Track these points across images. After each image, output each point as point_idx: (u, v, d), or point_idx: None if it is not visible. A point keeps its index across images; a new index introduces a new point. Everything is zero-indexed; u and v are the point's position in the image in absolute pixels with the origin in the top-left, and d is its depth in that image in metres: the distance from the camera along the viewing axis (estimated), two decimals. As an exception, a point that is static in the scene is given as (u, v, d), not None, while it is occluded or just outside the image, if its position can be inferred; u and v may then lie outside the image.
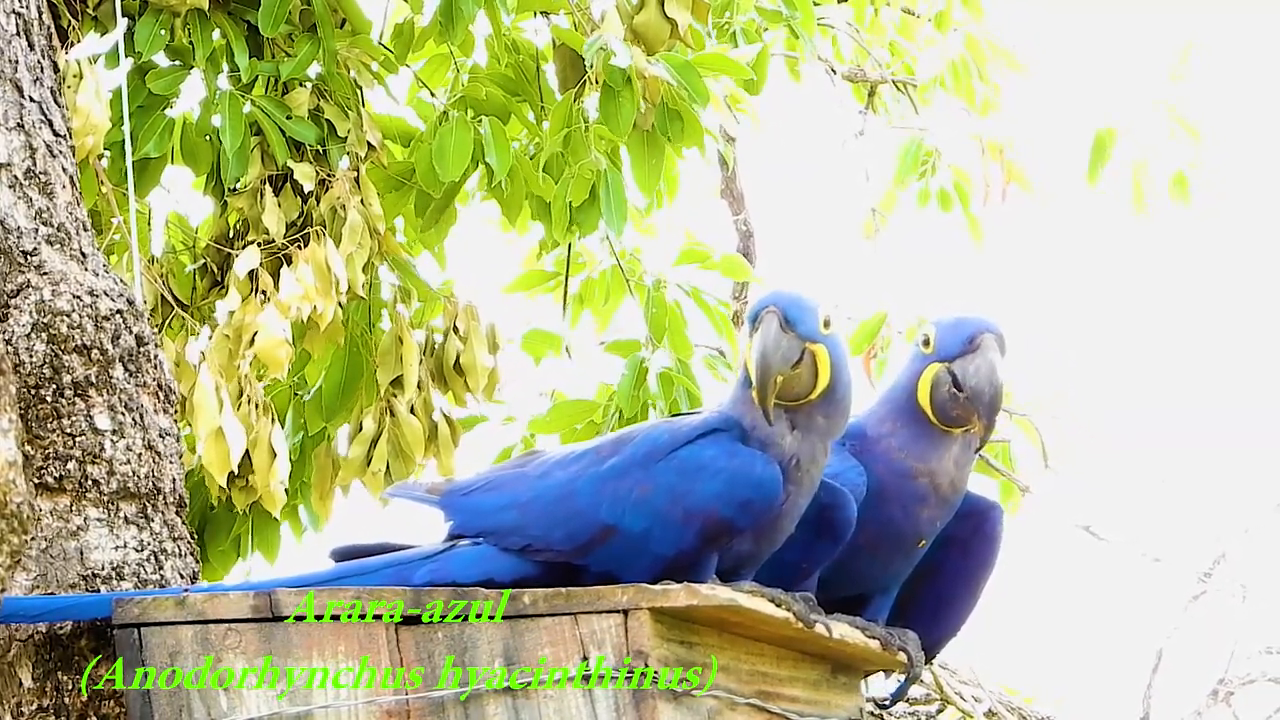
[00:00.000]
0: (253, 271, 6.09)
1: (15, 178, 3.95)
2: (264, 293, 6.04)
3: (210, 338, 6.13)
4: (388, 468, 6.40)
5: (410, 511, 6.36)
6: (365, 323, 6.49)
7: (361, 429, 6.42)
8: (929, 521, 4.01)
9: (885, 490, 3.95)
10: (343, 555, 3.92)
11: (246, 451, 5.98)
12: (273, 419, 6.06)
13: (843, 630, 3.79)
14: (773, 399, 3.67)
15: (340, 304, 6.18)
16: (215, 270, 6.39)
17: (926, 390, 3.91)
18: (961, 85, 8.96)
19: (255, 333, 5.96)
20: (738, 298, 9.07)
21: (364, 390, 6.49)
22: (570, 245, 6.86)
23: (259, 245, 6.16)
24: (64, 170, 4.07)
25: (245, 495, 6.14)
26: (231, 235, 6.39)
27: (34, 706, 3.73)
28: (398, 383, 6.41)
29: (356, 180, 6.28)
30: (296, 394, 6.65)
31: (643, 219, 7.10)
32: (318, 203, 6.24)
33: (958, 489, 4.02)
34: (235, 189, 6.21)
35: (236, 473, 5.97)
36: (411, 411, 6.41)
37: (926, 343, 3.94)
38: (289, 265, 6.06)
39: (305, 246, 6.12)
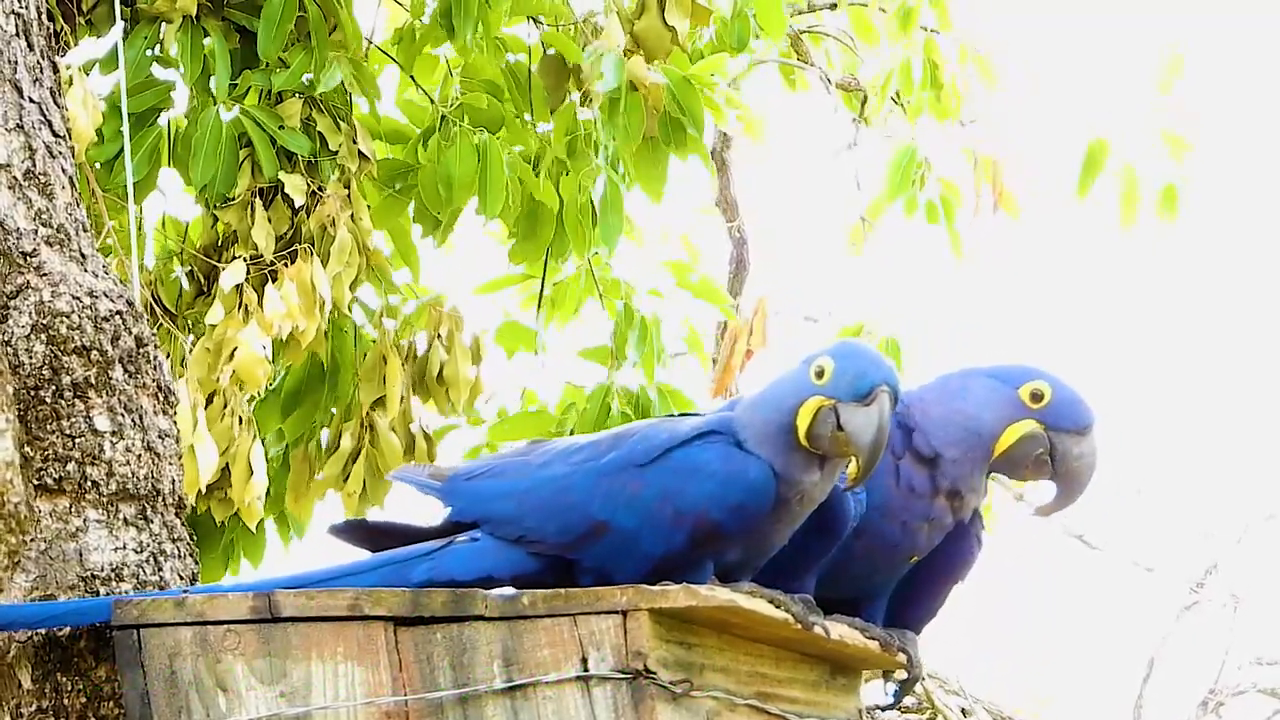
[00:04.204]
0: (238, 285, 6.10)
1: (15, 179, 3.95)
2: (247, 308, 6.05)
3: (191, 350, 6.14)
4: (364, 487, 6.42)
5: (402, 508, 6.40)
6: (336, 330, 6.49)
7: (339, 445, 6.43)
8: (931, 535, 4.00)
9: (893, 506, 3.93)
10: (341, 531, 3.93)
11: (226, 464, 6.00)
12: (254, 434, 6.07)
13: (841, 631, 3.79)
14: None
15: (324, 323, 6.19)
16: (202, 279, 6.40)
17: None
18: (909, 89, 8.92)
19: (235, 348, 5.96)
20: (732, 305, 9.09)
21: (327, 394, 6.50)
22: (547, 252, 6.87)
23: (246, 260, 6.17)
24: (63, 171, 4.07)
25: (224, 508, 6.15)
26: (220, 244, 6.40)
27: (33, 708, 3.72)
28: (380, 402, 6.42)
29: (348, 194, 6.28)
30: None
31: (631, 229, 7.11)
32: (308, 215, 6.25)
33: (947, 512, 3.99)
34: (227, 200, 6.22)
35: (216, 484, 6.00)
36: (390, 428, 6.43)
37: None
38: (274, 282, 6.07)
39: (293, 264, 6.12)
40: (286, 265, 6.13)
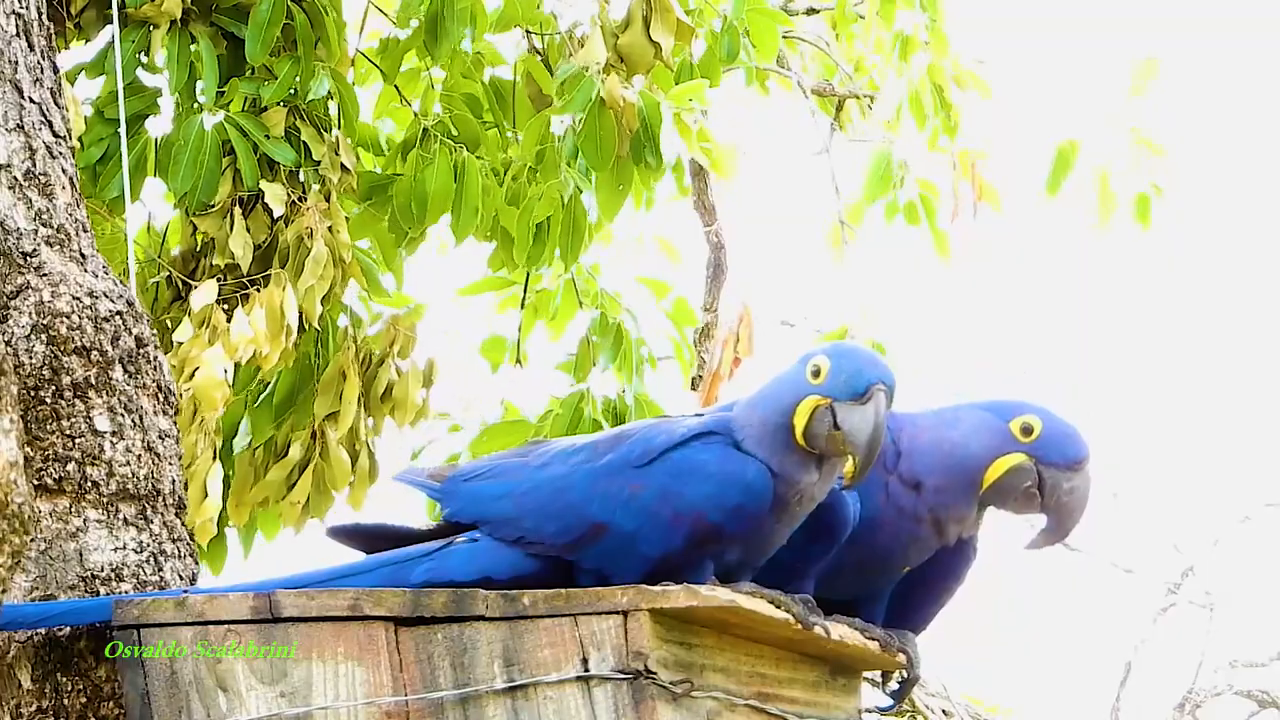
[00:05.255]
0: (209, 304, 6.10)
1: (15, 179, 3.95)
2: (214, 328, 6.04)
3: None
4: (307, 500, 6.42)
5: (398, 508, 6.41)
6: (315, 339, 6.50)
7: (287, 453, 6.43)
8: (920, 553, 4.01)
9: (882, 520, 3.95)
10: (339, 533, 3.94)
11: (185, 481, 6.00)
12: (215, 455, 6.07)
13: (841, 632, 3.79)
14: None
15: (295, 343, 6.19)
16: (179, 285, 6.39)
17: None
18: (921, 118, 8.95)
19: (197, 368, 5.96)
20: (708, 309, 9.11)
21: (311, 400, 6.50)
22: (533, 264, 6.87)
23: (221, 271, 6.17)
24: (64, 171, 4.07)
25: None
26: (199, 251, 6.39)
27: (33, 708, 3.72)
28: (333, 415, 6.42)
29: (327, 202, 6.28)
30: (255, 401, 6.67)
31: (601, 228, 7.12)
32: (286, 225, 6.24)
33: (941, 527, 3.99)
34: (207, 207, 6.21)
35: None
36: (338, 442, 6.43)
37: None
38: (244, 305, 6.06)
39: (265, 287, 6.12)
40: (259, 290, 6.13)
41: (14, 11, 4.01)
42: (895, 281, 9.35)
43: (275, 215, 6.21)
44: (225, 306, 6.15)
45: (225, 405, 6.12)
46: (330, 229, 6.26)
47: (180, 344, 6.06)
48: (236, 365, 6.28)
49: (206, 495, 6.06)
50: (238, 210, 6.20)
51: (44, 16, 4.14)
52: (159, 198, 6.57)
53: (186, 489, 5.84)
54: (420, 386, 6.60)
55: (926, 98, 8.70)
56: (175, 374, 6.01)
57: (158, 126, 6.23)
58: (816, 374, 3.67)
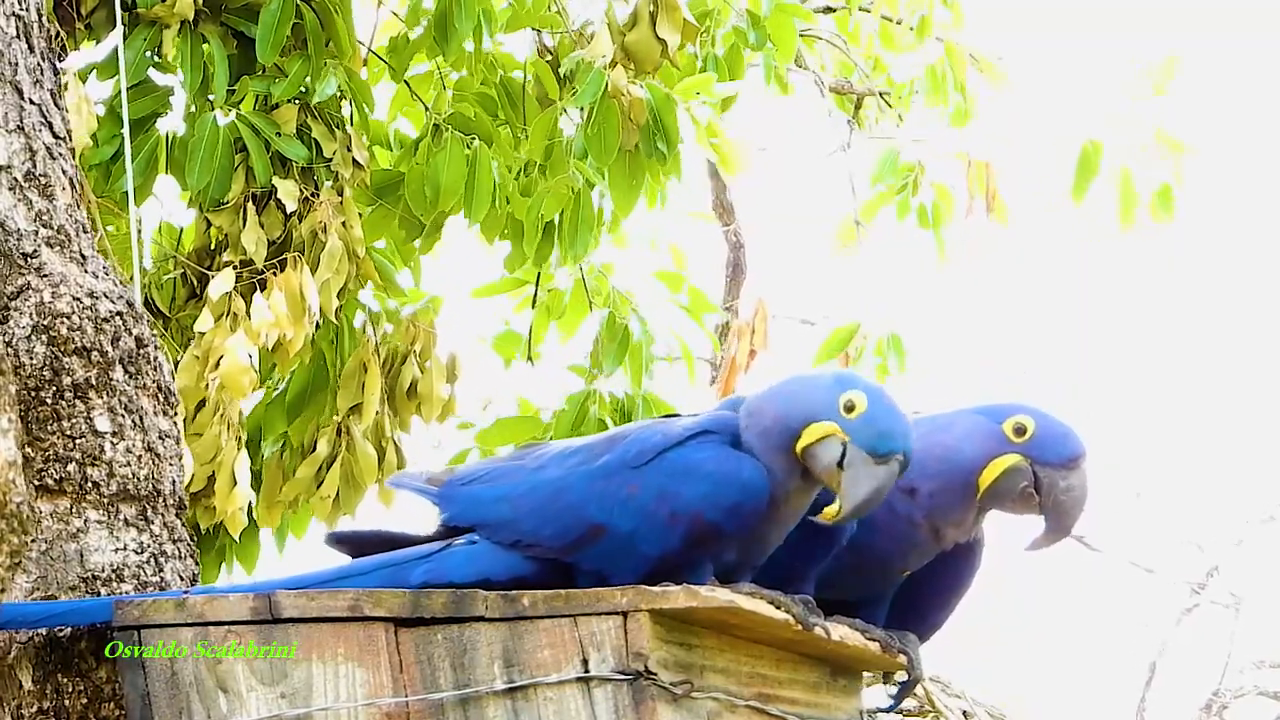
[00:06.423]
0: (227, 293, 6.11)
1: (15, 180, 3.96)
2: (235, 315, 6.05)
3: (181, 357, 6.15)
4: (337, 494, 6.43)
5: (376, 517, 6.42)
6: (332, 337, 6.51)
7: (315, 449, 6.43)
8: (919, 558, 4.00)
9: (879, 524, 3.93)
10: (339, 540, 3.94)
11: (213, 472, 6.02)
12: (240, 445, 6.08)
13: (842, 632, 3.78)
14: None
15: (313, 331, 6.19)
16: (195, 282, 6.41)
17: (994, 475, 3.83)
18: (939, 91, 8.95)
19: (222, 356, 5.97)
20: (728, 308, 9.12)
21: (328, 399, 6.51)
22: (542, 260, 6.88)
23: (236, 266, 6.18)
24: (64, 173, 4.08)
25: (208, 515, 6.16)
26: (213, 248, 6.40)
27: (34, 709, 3.73)
28: (356, 409, 6.43)
29: (340, 201, 6.29)
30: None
31: (618, 230, 7.12)
32: (300, 221, 6.25)
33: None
34: (220, 204, 6.22)
35: (201, 491, 6.01)
36: (363, 435, 6.44)
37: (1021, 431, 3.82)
38: (263, 290, 6.07)
39: (282, 272, 6.13)
40: (276, 274, 6.14)
41: (14, 13, 4.02)
42: (903, 280, 9.34)
43: (289, 211, 6.22)
44: (242, 297, 6.16)
45: (252, 388, 6.14)
46: (344, 224, 6.27)
47: (202, 334, 6.07)
48: (261, 352, 6.29)
49: (236, 484, 6.07)
50: (250, 206, 6.22)
51: (44, 18, 4.16)
52: (173, 196, 6.59)
53: (214, 482, 5.89)
54: (444, 381, 6.61)
55: (948, 77, 8.68)
56: (200, 365, 6.02)
57: (169, 125, 6.24)
58: (850, 409, 3.62)
